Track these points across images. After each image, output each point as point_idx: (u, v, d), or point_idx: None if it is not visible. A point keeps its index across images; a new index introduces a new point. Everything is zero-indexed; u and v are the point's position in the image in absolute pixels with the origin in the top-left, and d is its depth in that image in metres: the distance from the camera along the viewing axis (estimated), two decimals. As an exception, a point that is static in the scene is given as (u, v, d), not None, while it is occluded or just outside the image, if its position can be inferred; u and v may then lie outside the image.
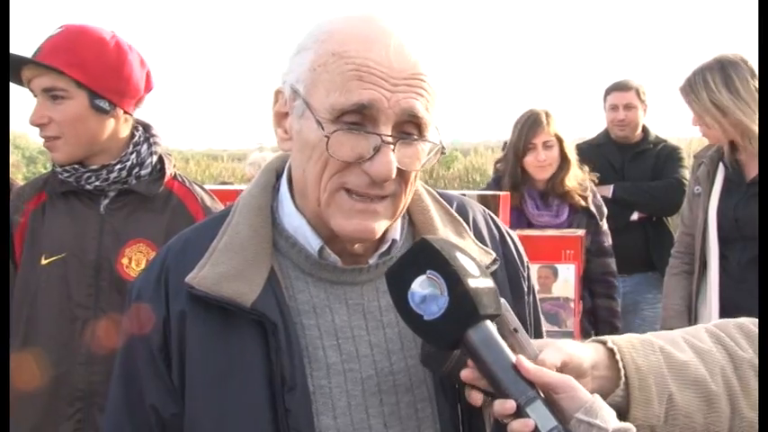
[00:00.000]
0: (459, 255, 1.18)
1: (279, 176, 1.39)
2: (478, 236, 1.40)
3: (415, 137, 1.23)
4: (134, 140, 2.34)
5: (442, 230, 1.35)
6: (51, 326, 2.24)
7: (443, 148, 1.27)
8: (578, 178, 3.88)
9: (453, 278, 1.14)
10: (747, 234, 3.20)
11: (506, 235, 1.47)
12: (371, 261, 1.33)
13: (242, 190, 1.42)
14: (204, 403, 1.27)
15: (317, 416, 1.25)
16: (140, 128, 2.38)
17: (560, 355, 1.20)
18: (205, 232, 1.35)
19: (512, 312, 1.22)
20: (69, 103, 2.23)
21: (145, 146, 2.34)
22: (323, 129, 1.20)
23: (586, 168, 4.02)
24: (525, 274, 1.45)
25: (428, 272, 1.16)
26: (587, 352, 1.24)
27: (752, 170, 3.29)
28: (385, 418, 1.28)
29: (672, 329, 3.78)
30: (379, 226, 1.26)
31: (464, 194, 1.59)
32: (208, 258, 1.29)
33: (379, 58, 1.19)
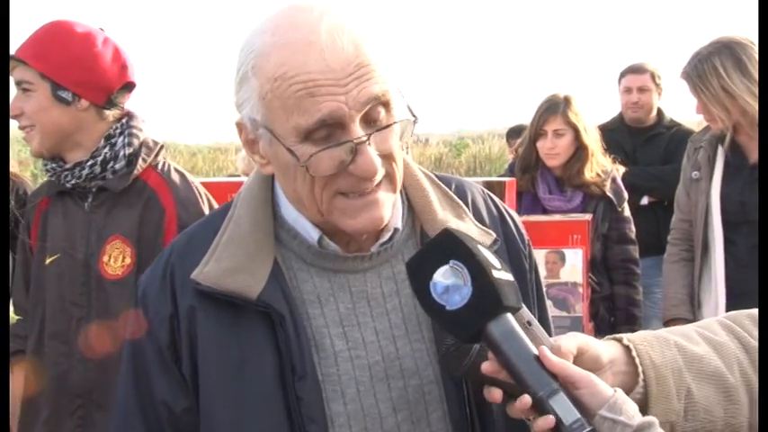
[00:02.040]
0: (480, 248, 1.19)
1: None
2: (478, 216, 1.41)
3: (383, 122, 1.22)
4: (108, 133, 2.31)
5: (441, 214, 1.35)
6: (54, 324, 2.30)
7: (415, 117, 1.25)
8: (600, 167, 3.80)
9: (478, 268, 1.14)
10: (754, 218, 3.14)
11: (506, 213, 1.47)
12: (373, 249, 1.34)
13: (241, 186, 1.42)
14: (219, 396, 1.29)
15: (328, 403, 1.27)
16: (124, 119, 2.35)
17: (576, 341, 1.20)
18: (208, 227, 1.37)
19: (524, 306, 1.22)
20: (34, 95, 2.27)
21: (120, 138, 2.31)
22: (296, 156, 1.20)
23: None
24: (526, 252, 1.45)
25: (451, 262, 1.16)
26: (604, 347, 1.24)
27: (753, 153, 3.24)
28: (393, 403, 1.29)
29: (674, 319, 3.73)
30: (386, 211, 1.27)
31: None
32: (211, 254, 1.30)
33: (319, 66, 1.17)
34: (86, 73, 2.26)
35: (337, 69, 1.17)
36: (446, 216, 1.35)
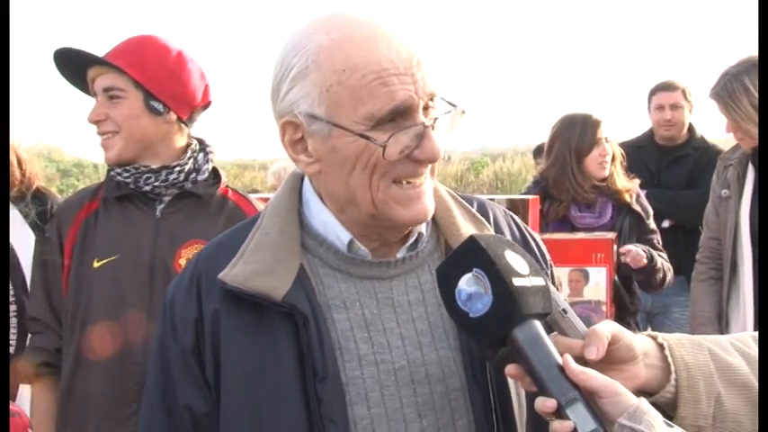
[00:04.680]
0: (508, 252, 1.19)
1: (303, 179, 1.41)
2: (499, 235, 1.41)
3: (437, 112, 1.28)
4: (191, 148, 2.43)
5: (465, 228, 1.37)
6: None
7: (463, 109, 1.30)
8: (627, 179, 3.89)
9: (497, 277, 1.15)
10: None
11: (528, 235, 1.49)
12: (399, 255, 1.35)
13: (270, 198, 1.45)
14: (239, 397, 1.30)
15: (351, 406, 1.27)
16: (195, 141, 2.48)
17: (611, 328, 1.21)
18: (236, 236, 1.39)
19: (558, 294, 1.23)
20: (125, 102, 2.33)
21: (201, 154, 2.43)
22: (374, 140, 1.22)
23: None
24: (548, 273, 1.46)
25: (474, 270, 1.17)
26: (638, 340, 1.24)
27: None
28: (419, 408, 1.29)
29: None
30: (431, 203, 1.31)
31: (492, 199, 1.60)
32: (239, 258, 1.33)
33: (388, 55, 1.22)
34: (179, 87, 2.37)
35: (404, 60, 1.23)
36: (469, 231, 1.36)
